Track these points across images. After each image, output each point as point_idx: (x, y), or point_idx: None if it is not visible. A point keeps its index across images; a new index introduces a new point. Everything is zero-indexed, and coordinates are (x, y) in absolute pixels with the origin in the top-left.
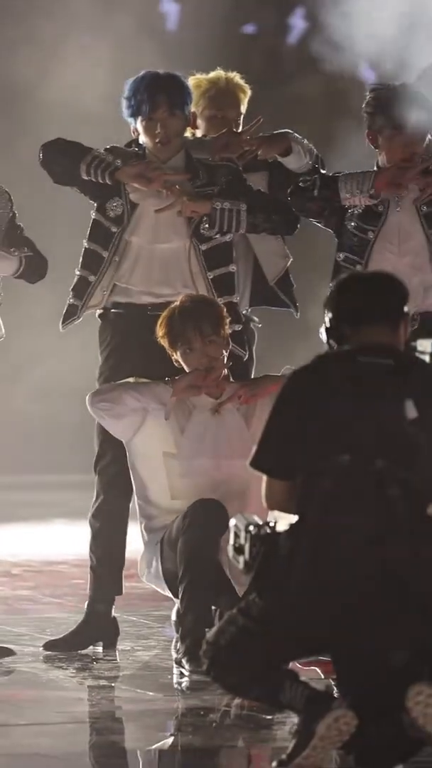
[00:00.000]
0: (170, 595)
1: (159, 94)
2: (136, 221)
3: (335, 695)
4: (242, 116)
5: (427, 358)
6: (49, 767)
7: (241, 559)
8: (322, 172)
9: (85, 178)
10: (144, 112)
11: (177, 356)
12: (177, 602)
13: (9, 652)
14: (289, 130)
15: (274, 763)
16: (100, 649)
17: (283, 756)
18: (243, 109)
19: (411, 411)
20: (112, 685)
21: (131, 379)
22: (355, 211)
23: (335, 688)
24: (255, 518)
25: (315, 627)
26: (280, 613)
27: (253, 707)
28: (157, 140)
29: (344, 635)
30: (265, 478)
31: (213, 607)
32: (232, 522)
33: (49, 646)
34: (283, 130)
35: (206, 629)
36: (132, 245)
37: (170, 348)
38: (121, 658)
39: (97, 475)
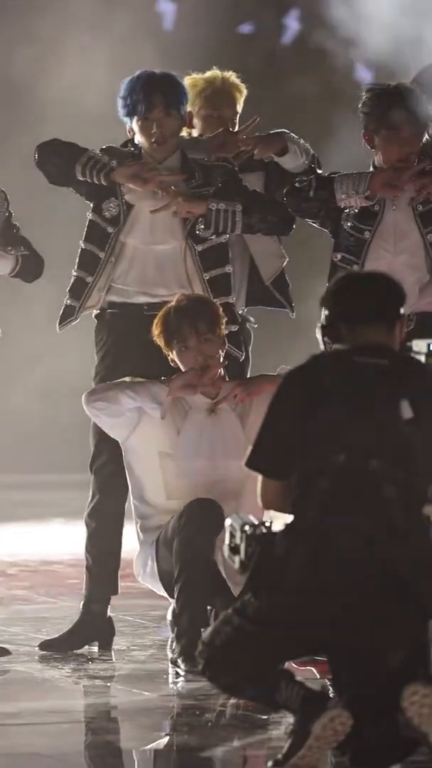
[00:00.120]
0: (166, 595)
1: (155, 94)
2: (131, 222)
3: (331, 695)
4: (238, 115)
5: (422, 359)
6: (44, 767)
7: (237, 558)
8: (318, 172)
9: (81, 178)
10: (140, 112)
11: (173, 355)
12: (172, 602)
13: (4, 652)
14: (286, 130)
15: (269, 763)
16: (95, 648)
17: (279, 756)
18: (239, 108)
19: (406, 411)
20: (108, 684)
21: (127, 379)
22: (352, 211)
23: (331, 688)
24: (251, 518)
25: (311, 627)
26: (276, 613)
27: (248, 707)
28: (152, 140)
29: (340, 635)
30: (260, 477)
31: (209, 607)
32: (228, 522)
33: (44, 645)
34: (279, 130)
35: (202, 629)
36: (127, 246)
37: (166, 347)
38: (117, 658)
39: (93, 474)
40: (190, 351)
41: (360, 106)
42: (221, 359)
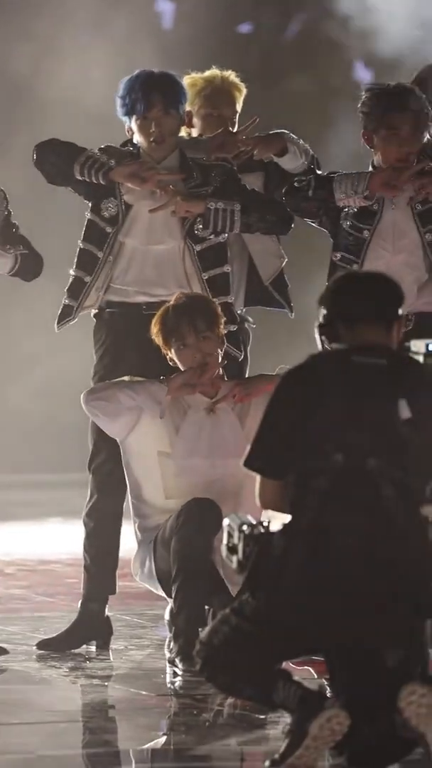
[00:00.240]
0: (163, 594)
1: (154, 93)
2: (130, 223)
3: (328, 695)
4: (238, 114)
5: (421, 359)
6: (41, 766)
7: (235, 558)
8: (318, 172)
9: (79, 178)
10: (139, 111)
11: (171, 353)
12: (170, 602)
13: (2, 651)
14: (285, 131)
15: (267, 763)
16: (93, 648)
17: (276, 755)
18: (238, 107)
19: (404, 411)
20: (105, 684)
21: (126, 378)
22: (350, 211)
23: (328, 688)
24: (248, 518)
25: (308, 626)
26: (274, 612)
27: (246, 707)
28: (151, 139)
29: (337, 635)
30: (258, 477)
31: (206, 607)
32: (226, 521)
33: (42, 645)
34: (278, 131)
35: (199, 629)
36: (126, 247)
37: (164, 345)
38: (115, 658)
39: (91, 474)
40: (188, 349)
41: (359, 105)
42: (220, 358)
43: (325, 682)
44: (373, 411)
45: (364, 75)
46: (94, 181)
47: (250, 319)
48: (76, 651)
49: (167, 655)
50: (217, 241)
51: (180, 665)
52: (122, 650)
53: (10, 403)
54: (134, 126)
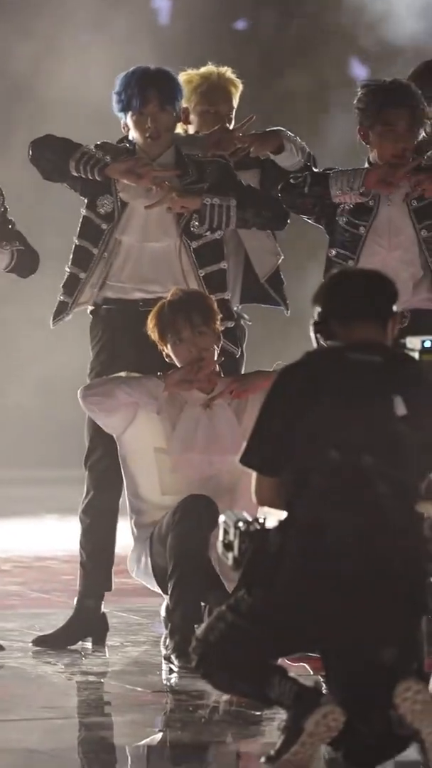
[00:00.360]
0: (159, 591)
1: (149, 89)
2: (126, 220)
3: (324, 691)
4: (234, 110)
5: (416, 356)
6: (37, 763)
7: (230, 555)
8: (314, 169)
9: (75, 174)
10: (134, 107)
11: (167, 349)
12: (166, 598)
13: None
14: (282, 128)
15: (262, 759)
16: (89, 644)
17: (272, 752)
18: (235, 103)
19: (400, 408)
20: (101, 680)
21: (123, 374)
22: (346, 207)
23: (324, 685)
24: (244, 515)
25: (304, 623)
26: (269, 609)
27: (241, 703)
28: (147, 135)
29: (333, 632)
30: (254, 474)
31: (202, 604)
32: (222, 518)
33: (38, 641)
34: (275, 128)
35: (195, 625)
36: (122, 244)
37: (160, 340)
38: (110, 654)
39: (87, 470)
40: (184, 344)
41: (355, 102)
42: (216, 354)
43: (321, 679)
44: (368, 408)
45: (360, 71)
46: (90, 178)
47: (245, 316)
48: (72, 647)
49: (163, 651)
50: (213, 238)
51: (176, 662)
52: (118, 647)
53: (8, 399)
54: (130, 122)
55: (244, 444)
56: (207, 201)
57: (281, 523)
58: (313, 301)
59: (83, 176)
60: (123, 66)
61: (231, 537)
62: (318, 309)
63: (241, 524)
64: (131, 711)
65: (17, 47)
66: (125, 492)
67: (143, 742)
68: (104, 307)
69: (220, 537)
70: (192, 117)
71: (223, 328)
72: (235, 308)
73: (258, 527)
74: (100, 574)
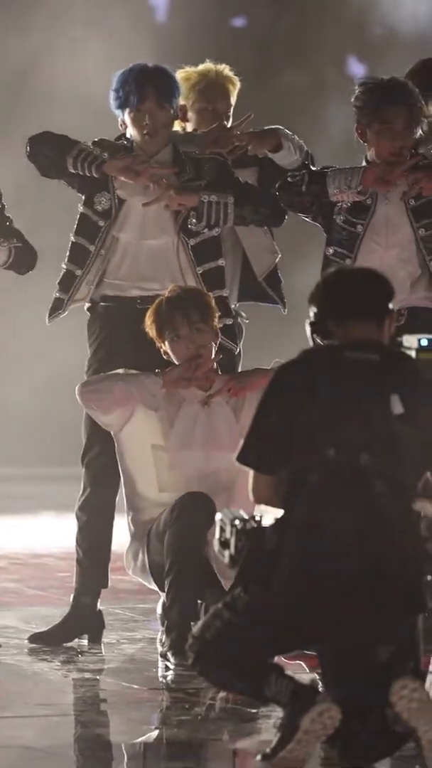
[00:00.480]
0: (156, 588)
1: (147, 86)
2: (123, 217)
3: (320, 689)
4: (232, 108)
5: (413, 354)
6: (33, 760)
7: (227, 553)
8: (311, 167)
9: (72, 171)
10: (132, 104)
11: (165, 346)
12: (163, 595)
13: None
14: (280, 126)
15: (258, 757)
16: (85, 641)
17: (268, 749)
18: (233, 101)
19: (396, 406)
20: (97, 678)
21: (121, 371)
22: (344, 205)
23: (320, 682)
24: (241, 513)
25: (300, 621)
26: (266, 607)
27: (238, 701)
28: (144, 132)
29: (329, 630)
30: (251, 472)
31: (199, 601)
32: (218, 516)
33: (34, 638)
34: (273, 126)
35: (192, 623)
36: (120, 241)
37: (158, 337)
38: (107, 651)
39: (85, 467)
40: (181, 340)
41: (353, 99)
42: (213, 351)
43: (317, 677)
44: (365, 406)
45: (357, 69)
46: (87, 174)
47: (243, 314)
48: (68, 644)
49: (159, 649)
50: (211, 235)
51: (172, 659)
52: (114, 644)
53: (6, 397)
54: (127, 119)
55: (242, 442)
56: (204, 198)
57: (278, 521)
58: (310, 300)
59: (80, 173)
60: (120, 63)
61: (227, 535)
62: (314, 308)
63: (237, 522)
64: (127, 708)
65: (14, 43)
66: (122, 489)
67: (139, 739)
68: (102, 304)
69: (217, 535)
70: (190, 114)
71: (221, 325)
72: (232, 306)
73: (254, 525)
74: (96, 571)
